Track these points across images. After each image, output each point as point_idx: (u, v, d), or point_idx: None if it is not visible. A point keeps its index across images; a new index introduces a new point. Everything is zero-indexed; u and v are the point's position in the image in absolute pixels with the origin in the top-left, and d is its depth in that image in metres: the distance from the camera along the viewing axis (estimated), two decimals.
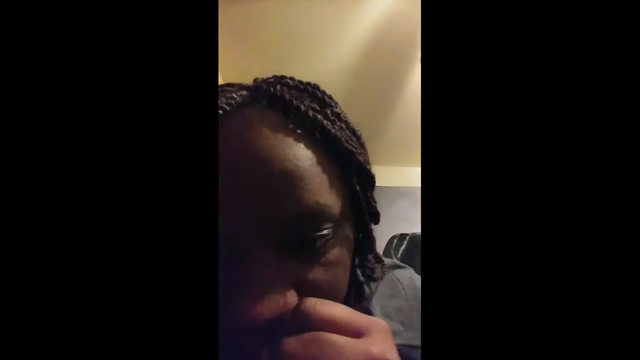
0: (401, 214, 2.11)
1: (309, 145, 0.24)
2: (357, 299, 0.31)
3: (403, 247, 1.31)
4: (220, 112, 0.23)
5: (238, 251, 0.22)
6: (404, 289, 0.37)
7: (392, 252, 1.35)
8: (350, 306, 0.29)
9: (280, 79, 0.28)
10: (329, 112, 0.27)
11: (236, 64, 1.85)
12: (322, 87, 0.30)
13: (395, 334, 0.33)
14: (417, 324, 0.34)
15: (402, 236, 1.39)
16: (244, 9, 1.65)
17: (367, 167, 0.28)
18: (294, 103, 0.25)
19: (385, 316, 0.35)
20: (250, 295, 0.20)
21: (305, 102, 0.26)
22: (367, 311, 0.35)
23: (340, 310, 0.21)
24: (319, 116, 0.25)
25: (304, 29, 1.77)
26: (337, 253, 0.24)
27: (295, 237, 0.23)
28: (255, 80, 0.30)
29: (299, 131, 0.24)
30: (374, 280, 0.31)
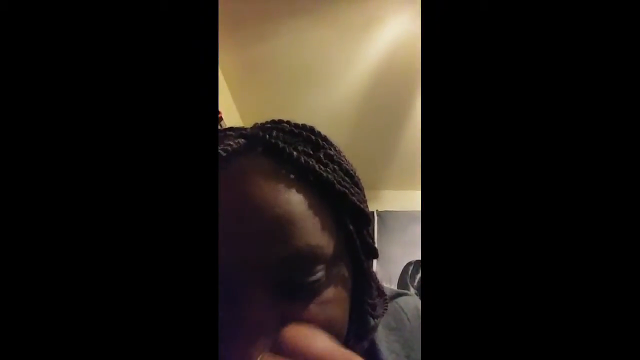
0: (416, 240, 2.04)
1: (301, 190, 0.25)
2: (360, 333, 0.31)
3: (419, 275, 1.28)
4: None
5: (232, 292, 0.23)
6: (408, 320, 0.37)
7: (407, 279, 1.32)
8: (351, 344, 0.29)
9: (277, 124, 0.30)
10: (322, 155, 0.28)
11: (250, 96, 1.98)
12: (317, 129, 0.31)
13: None
14: None
15: (418, 263, 1.35)
16: (259, 48, 1.76)
17: (361, 206, 0.29)
18: (286, 150, 0.26)
19: (391, 351, 0.35)
20: (242, 335, 0.21)
21: (298, 148, 0.27)
22: (372, 346, 0.34)
23: (315, 342, 0.20)
24: (311, 161, 0.27)
25: (314, 62, 1.86)
26: (332, 291, 0.25)
27: (289, 278, 0.23)
28: (254, 125, 0.31)
29: (292, 176, 0.26)
30: (375, 317, 0.31)
